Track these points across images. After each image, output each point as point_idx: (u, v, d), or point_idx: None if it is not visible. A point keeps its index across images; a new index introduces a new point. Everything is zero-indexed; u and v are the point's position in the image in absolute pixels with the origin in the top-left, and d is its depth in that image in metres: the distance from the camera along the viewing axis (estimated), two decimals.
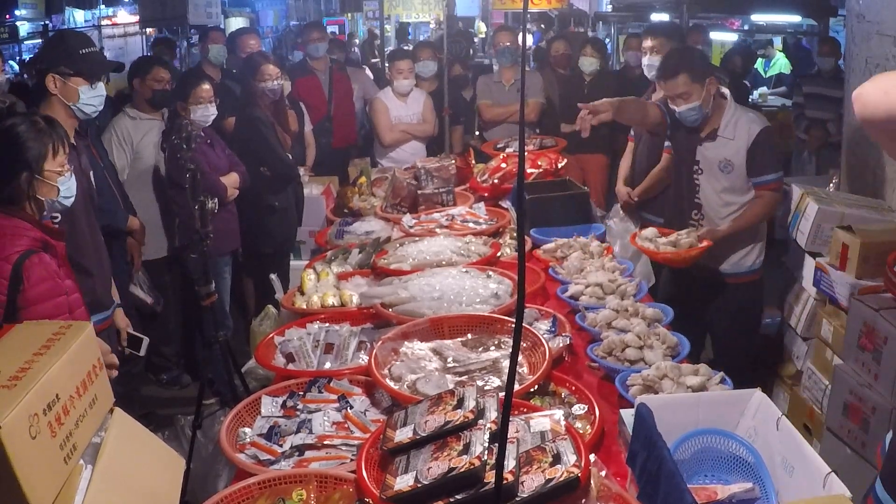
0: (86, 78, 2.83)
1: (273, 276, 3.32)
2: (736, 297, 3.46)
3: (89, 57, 2.86)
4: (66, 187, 2.42)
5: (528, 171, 4.32)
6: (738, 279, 3.44)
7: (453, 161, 4.51)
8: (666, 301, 2.92)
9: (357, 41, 14.51)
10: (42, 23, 14.60)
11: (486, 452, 1.60)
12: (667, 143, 4.21)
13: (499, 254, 3.32)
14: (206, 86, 3.99)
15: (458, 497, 1.57)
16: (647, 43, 4.33)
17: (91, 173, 3.04)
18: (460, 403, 1.78)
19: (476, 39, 16.68)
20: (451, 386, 2.08)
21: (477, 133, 6.04)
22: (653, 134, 3.97)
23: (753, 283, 3.48)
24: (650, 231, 3.36)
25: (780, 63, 9.56)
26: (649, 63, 4.29)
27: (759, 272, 3.49)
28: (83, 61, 2.83)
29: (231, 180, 4.14)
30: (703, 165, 3.37)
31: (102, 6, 15.74)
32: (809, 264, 3.35)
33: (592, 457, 1.77)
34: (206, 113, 3.95)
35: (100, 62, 2.90)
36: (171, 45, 7.06)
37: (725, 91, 3.36)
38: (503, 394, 1.64)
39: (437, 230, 3.65)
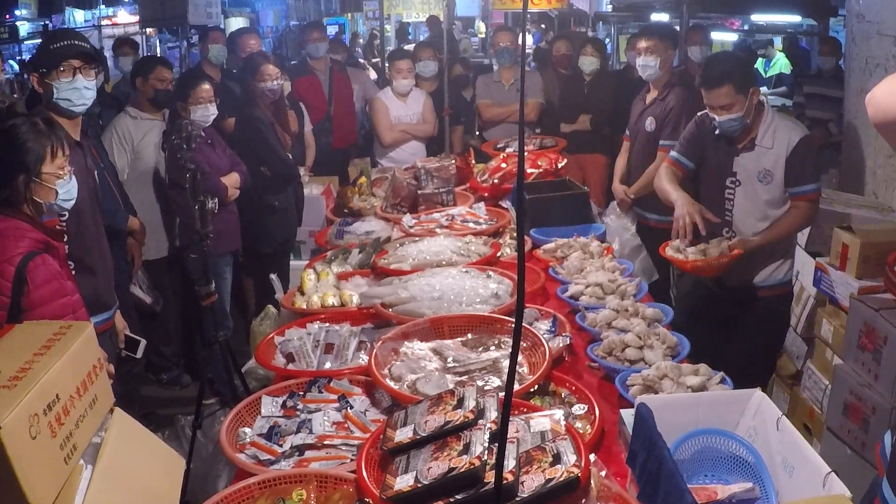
0: (55, 71, 2.78)
1: (273, 276, 3.32)
2: (767, 310, 3.34)
3: (59, 50, 2.82)
4: (66, 190, 2.40)
5: (528, 171, 4.32)
6: (772, 291, 3.32)
7: (453, 161, 4.51)
8: (686, 314, 2.84)
9: (361, 41, 14.48)
10: (42, 23, 14.61)
11: (486, 452, 1.60)
12: (663, 142, 4.22)
13: (499, 254, 3.32)
14: (206, 86, 3.98)
15: (458, 497, 1.57)
16: (643, 44, 4.33)
17: (95, 172, 3.03)
18: (460, 403, 1.78)
19: (475, 39, 16.70)
20: (451, 386, 2.08)
21: (477, 133, 6.04)
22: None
23: (784, 295, 3.37)
24: (680, 241, 3.23)
25: (781, 63, 9.57)
26: (644, 64, 4.29)
27: (790, 284, 3.37)
28: (52, 55, 2.80)
29: (232, 180, 4.14)
30: (742, 177, 3.21)
31: (102, 6, 15.76)
32: (809, 264, 3.34)
33: (592, 457, 1.77)
34: (206, 113, 3.95)
35: (67, 54, 2.82)
36: (133, 46, 6.98)
37: (763, 98, 3.23)
38: (503, 394, 1.64)
39: (437, 230, 3.65)
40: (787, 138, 3.11)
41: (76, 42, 2.88)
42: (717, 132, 3.24)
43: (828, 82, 5.85)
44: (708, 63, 3.40)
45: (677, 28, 5.64)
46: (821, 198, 3.38)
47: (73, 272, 2.57)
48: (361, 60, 9.55)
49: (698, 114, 3.38)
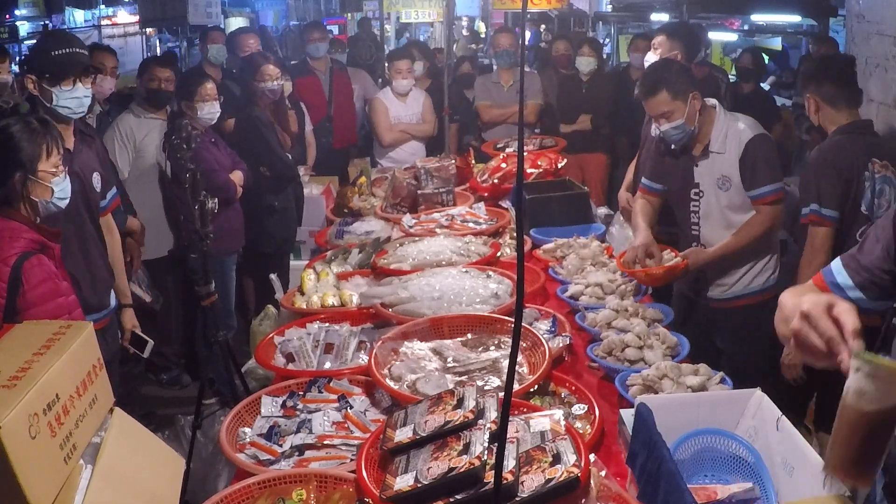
0: (53, 80, 2.77)
1: (273, 276, 3.32)
2: (748, 319, 3.15)
3: (61, 58, 2.81)
4: (61, 188, 2.41)
5: (528, 171, 4.33)
6: (752, 299, 3.15)
7: (453, 161, 4.51)
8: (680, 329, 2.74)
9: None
10: (42, 22, 14.60)
11: (485, 452, 1.60)
12: None
13: (499, 254, 3.32)
14: (210, 84, 4.00)
15: (457, 497, 1.57)
16: (654, 41, 4.30)
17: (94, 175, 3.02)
18: (460, 403, 1.78)
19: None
20: (451, 386, 2.08)
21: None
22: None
23: (766, 302, 3.11)
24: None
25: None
26: (646, 61, 4.27)
27: (773, 290, 3.14)
28: (54, 63, 2.80)
29: (237, 178, 4.16)
30: (704, 187, 3.11)
31: (102, 6, 15.75)
32: None
33: (592, 457, 1.77)
34: (211, 110, 3.97)
35: (70, 64, 2.81)
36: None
37: (713, 101, 3.13)
38: (503, 394, 1.64)
39: (437, 230, 3.65)
40: (738, 140, 2.99)
41: (77, 50, 2.86)
42: (672, 147, 3.14)
43: None
44: (643, 74, 3.31)
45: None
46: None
47: None
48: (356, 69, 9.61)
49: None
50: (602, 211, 4.53)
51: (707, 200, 3.12)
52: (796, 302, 1.34)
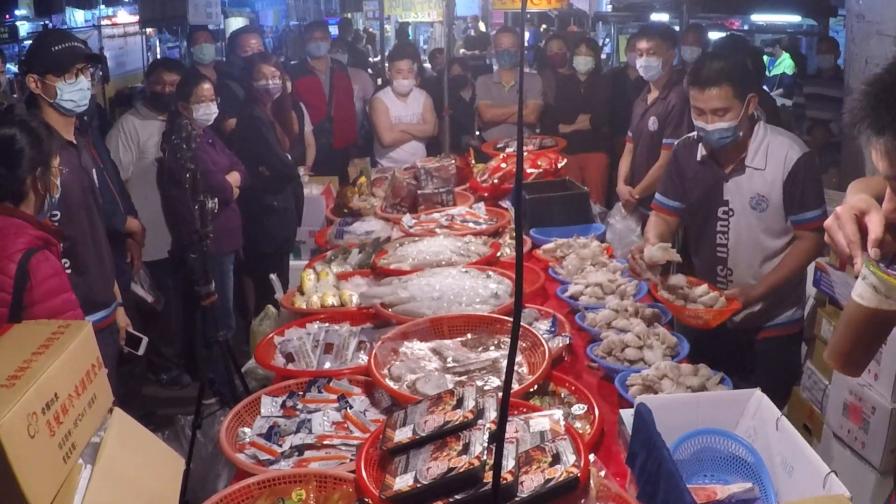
0: (57, 73, 2.82)
1: (273, 276, 3.32)
2: (772, 351, 2.92)
3: (62, 52, 2.86)
4: (59, 190, 2.43)
5: (528, 171, 4.33)
6: (777, 331, 2.91)
7: (453, 161, 4.51)
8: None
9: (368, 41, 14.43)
10: (42, 23, 14.60)
11: (485, 452, 1.60)
12: (666, 141, 4.22)
13: (499, 254, 3.32)
14: (207, 85, 4.00)
15: (457, 497, 1.56)
16: (643, 45, 4.34)
17: (93, 171, 3.04)
18: (460, 403, 1.78)
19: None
20: (450, 386, 2.08)
21: (477, 133, 6.05)
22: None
23: (793, 335, 2.96)
24: (679, 278, 2.70)
25: (786, 63, 9.59)
26: (646, 64, 4.30)
27: (800, 322, 2.96)
28: (55, 57, 2.85)
29: (234, 179, 4.16)
30: (735, 205, 2.78)
31: (102, 6, 15.74)
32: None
33: (592, 457, 1.77)
34: (207, 111, 3.96)
35: (72, 56, 2.88)
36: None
37: (756, 111, 2.81)
38: (502, 393, 1.64)
39: (437, 230, 3.65)
40: (783, 157, 2.68)
41: (77, 44, 2.93)
42: (700, 157, 2.85)
43: (828, 82, 5.86)
44: (703, 59, 2.86)
45: (676, 28, 5.66)
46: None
47: (69, 270, 2.58)
48: (372, 59, 9.63)
49: (675, 143, 3.06)
50: (598, 209, 4.55)
51: (737, 221, 2.80)
52: (849, 199, 1.43)
